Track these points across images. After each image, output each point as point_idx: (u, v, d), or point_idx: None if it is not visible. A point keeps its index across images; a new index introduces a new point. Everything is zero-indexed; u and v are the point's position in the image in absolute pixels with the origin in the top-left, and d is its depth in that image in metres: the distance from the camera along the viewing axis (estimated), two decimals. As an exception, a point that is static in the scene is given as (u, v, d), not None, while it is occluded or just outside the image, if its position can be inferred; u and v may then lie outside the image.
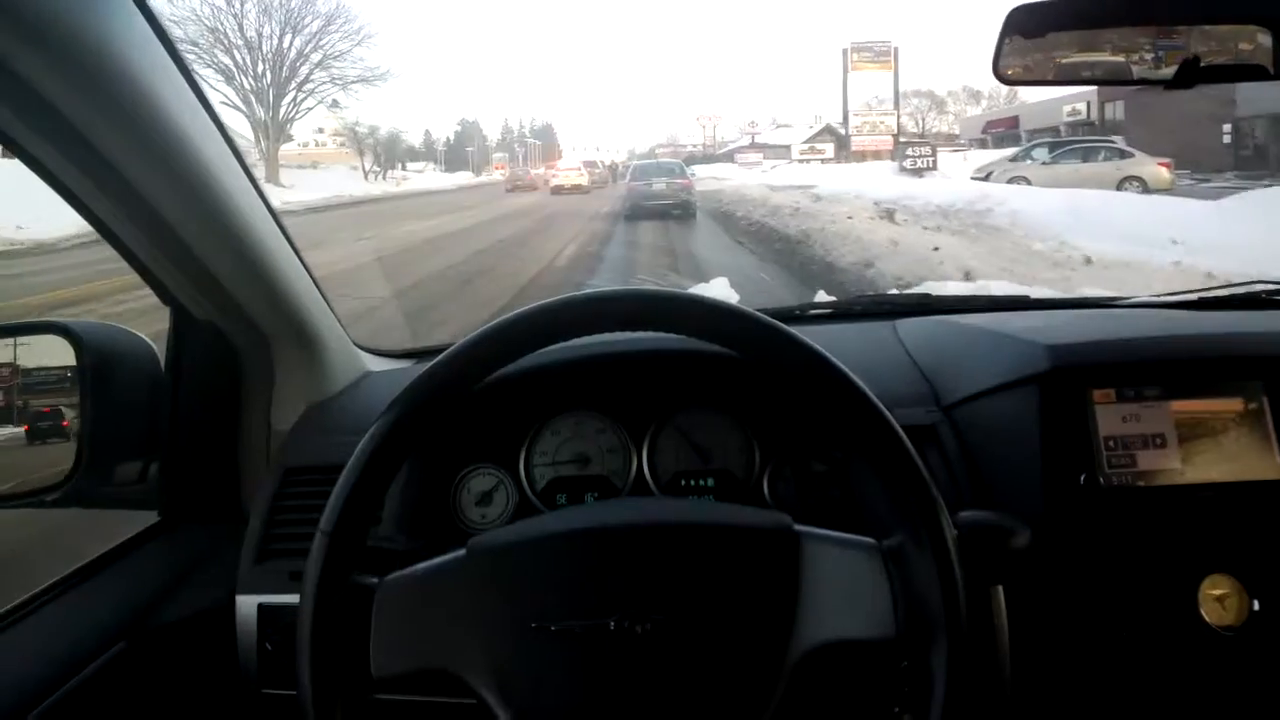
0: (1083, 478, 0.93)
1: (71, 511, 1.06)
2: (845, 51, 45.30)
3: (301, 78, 36.74)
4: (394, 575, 0.71)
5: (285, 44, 35.69)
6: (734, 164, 46.34)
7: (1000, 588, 0.76)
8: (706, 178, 31.58)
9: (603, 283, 8.29)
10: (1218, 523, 0.91)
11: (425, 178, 55.91)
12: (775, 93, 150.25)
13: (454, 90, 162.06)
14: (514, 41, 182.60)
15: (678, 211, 17.63)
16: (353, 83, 38.18)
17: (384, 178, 44.61)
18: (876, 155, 40.42)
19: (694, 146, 74.01)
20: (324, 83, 37.80)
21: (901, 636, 0.67)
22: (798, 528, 0.71)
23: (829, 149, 51.06)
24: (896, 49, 45.15)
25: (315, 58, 36.82)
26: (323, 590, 0.68)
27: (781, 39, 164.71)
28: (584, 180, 32.85)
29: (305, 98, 37.53)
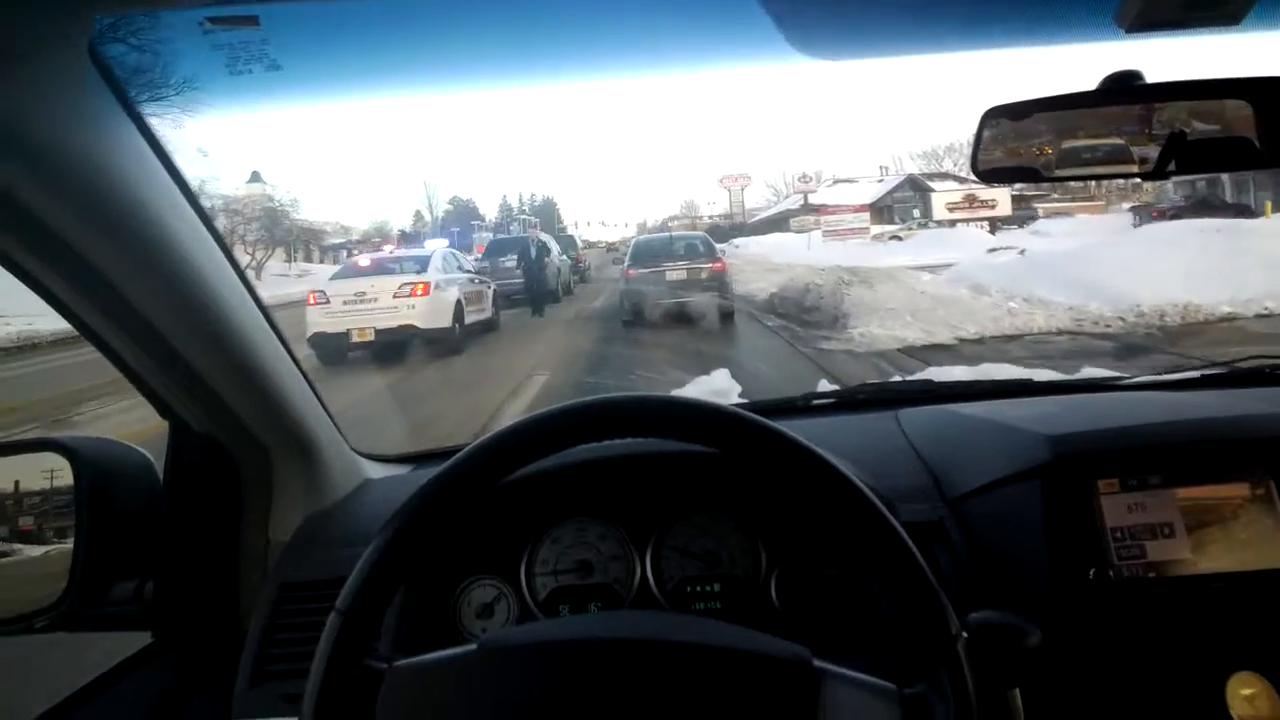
0: (1092, 571, 0.90)
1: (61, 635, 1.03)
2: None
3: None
4: (403, 661, 0.69)
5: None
6: (809, 233, 28.16)
7: (1017, 690, 0.73)
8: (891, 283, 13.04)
9: (603, 379, 8.26)
10: (1237, 615, 0.88)
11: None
12: (817, 145, 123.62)
13: (450, 167, 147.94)
14: (513, 114, 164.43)
15: (705, 314, 11.64)
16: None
17: (259, 277, 28.67)
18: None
19: (713, 217, 54.30)
20: None
21: None
22: (817, 664, 0.68)
23: (1001, 201, 32.66)
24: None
25: None
26: (331, 670, 0.66)
27: (826, 82, 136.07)
28: (420, 316, 10.34)
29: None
